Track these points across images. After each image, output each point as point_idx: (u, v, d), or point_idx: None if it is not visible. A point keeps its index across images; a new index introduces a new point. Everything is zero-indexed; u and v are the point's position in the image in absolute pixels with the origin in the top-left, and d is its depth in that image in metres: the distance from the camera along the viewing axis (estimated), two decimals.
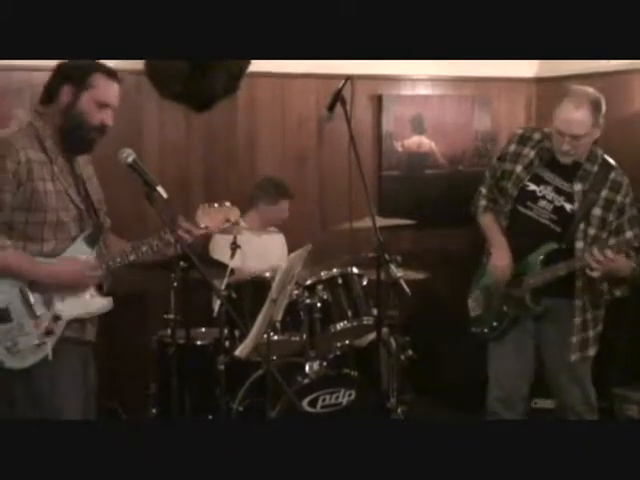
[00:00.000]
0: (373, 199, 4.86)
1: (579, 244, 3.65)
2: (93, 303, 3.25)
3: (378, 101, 5.72)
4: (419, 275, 4.72)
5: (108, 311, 3.29)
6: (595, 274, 3.56)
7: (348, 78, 4.02)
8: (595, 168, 3.69)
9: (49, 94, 3.16)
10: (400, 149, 5.81)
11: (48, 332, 3.12)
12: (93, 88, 3.11)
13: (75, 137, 3.15)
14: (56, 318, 3.14)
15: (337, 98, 4.01)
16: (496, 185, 3.93)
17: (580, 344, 3.76)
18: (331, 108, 4.06)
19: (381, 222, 4.20)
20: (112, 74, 3.17)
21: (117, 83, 3.19)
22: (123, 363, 4.88)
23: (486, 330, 3.94)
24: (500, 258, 3.83)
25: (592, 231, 3.65)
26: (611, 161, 3.74)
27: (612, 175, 3.68)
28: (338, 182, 5.23)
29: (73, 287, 3.17)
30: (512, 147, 3.86)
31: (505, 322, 3.87)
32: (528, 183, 3.78)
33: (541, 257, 3.74)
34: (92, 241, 3.25)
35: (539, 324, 3.85)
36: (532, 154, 3.79)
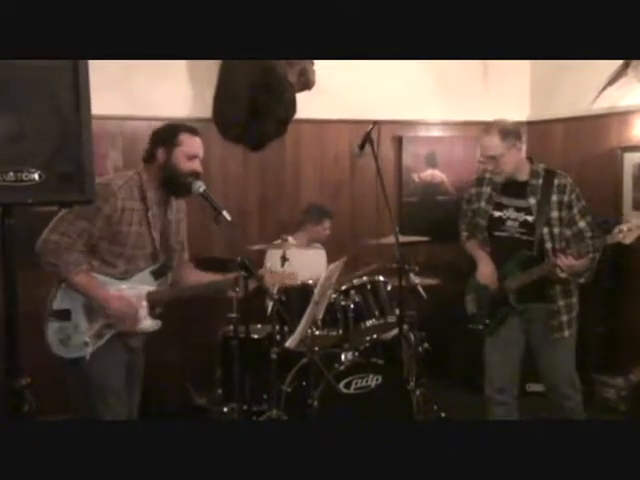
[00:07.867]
0: (395, 220, 4.80)
1: (548, 245, 3.69)
2: (143, 322, 3.28)
3: (399, 141, 5.77)
4: (433, 282, 4.73)
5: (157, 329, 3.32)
6: (563, 275, 3.64)
7: (375, 123, 4.07)
8: (540, 182, 3.70)
9: (149, 155, 3.27)
10: (417, 180, 5.86)
11: (98, 335, 3.17)
12: (181, 145, 3.20)
13: (174, 185, 3.25)
14: (108, 326, 3.19)
15: (366, 139, 4.03)
16: (470, 221, 3.99)
17: (556, 327, 3.78)
18: (361, 147, 4.06)
19: (402, 239, 4.21)
20: (193, 130, 3.26)
21: (199, 137, 3.27)
22: (195, 353, 4.97)
23: (481, 327, 3.94)
24: (485, 266, 3.87)
25: (556, 230, 3.68)
26: (554, 170, 3.76)
27: (556, 181, 3.68)
28: (367, 206, 5.39)
29: (116, 315, 3.18)
30: (473, 190, 3.95)
31: (496, 319, 3.87)
32: (493, 212, 3.82)
33: (516, 263, 3.75)
34: (158, 274, 3.30)
35: (528, 325, 3.87)
36: (488, 190, 3.85)
